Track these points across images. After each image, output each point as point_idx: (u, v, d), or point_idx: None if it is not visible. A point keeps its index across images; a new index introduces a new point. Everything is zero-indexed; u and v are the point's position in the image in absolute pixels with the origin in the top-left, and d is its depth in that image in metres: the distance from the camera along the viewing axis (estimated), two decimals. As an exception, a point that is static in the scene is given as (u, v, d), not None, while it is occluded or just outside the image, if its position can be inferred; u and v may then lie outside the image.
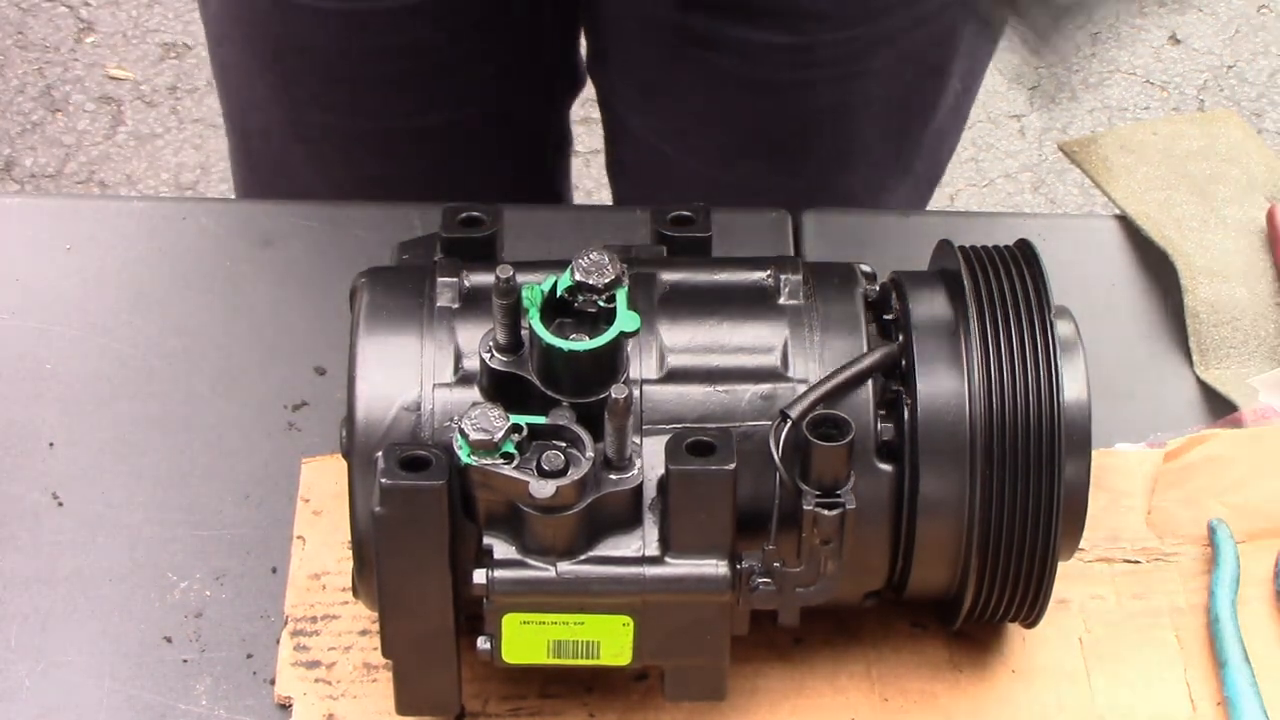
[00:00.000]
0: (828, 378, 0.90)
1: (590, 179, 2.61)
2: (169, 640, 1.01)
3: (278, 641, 1.00)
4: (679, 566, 0.88)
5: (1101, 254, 1.22)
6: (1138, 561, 1.04)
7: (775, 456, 0.88)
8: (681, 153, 1.33)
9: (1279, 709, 0.97)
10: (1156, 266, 1.20)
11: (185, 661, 1.00)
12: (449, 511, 0.87)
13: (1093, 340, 0.96)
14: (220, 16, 1.34)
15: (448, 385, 0.90)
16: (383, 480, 0.86)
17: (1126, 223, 1.23)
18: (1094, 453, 0.93)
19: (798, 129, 1.30)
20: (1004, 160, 2.75)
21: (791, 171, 1.32)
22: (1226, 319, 1.16)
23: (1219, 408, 1.12)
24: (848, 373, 0.91)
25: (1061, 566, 0.94)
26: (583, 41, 1.41)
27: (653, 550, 0.88)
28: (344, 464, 0.91)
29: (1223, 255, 1.19)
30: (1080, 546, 1.00)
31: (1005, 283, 0.93)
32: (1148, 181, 1.24)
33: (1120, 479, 1.07)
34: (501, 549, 0.88)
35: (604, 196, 2.59)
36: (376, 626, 0.99)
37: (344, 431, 0.91)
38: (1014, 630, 1.00)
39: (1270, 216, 1.20)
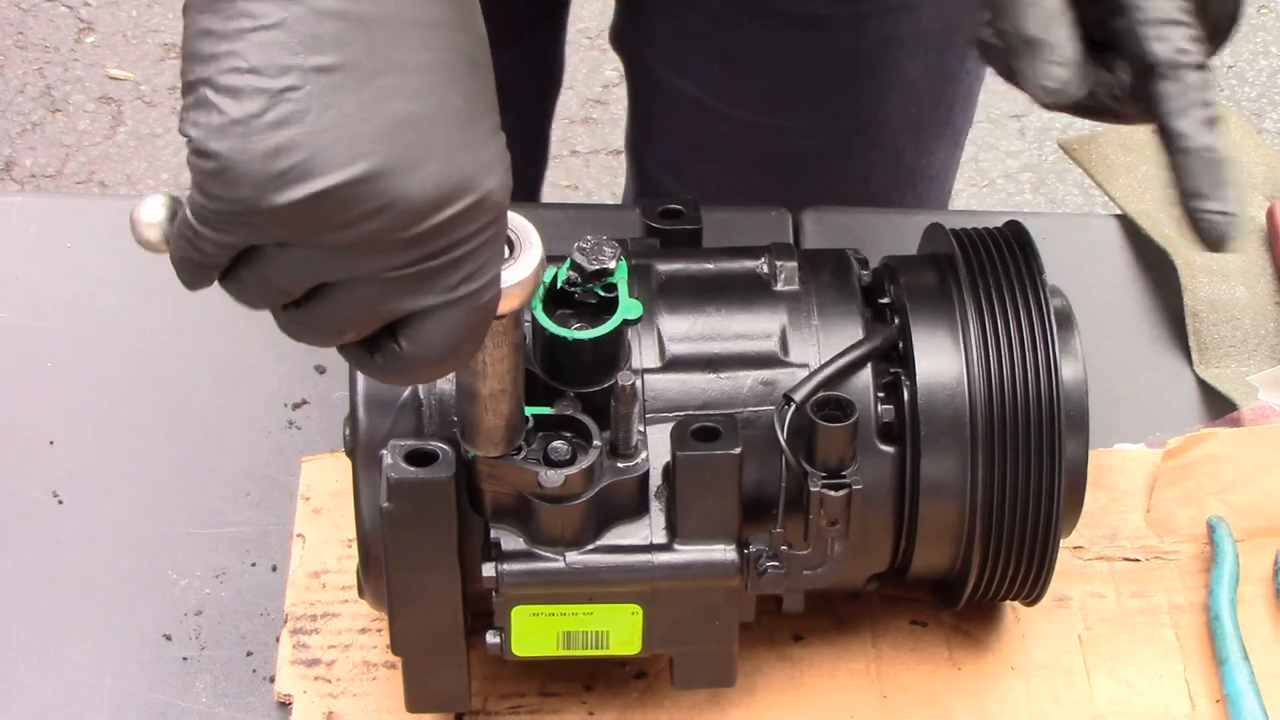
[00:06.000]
0: (829, 361, 0.91)
1: (590, 179, 2.61)
2: (169, 638, 1.01)
3: (277, 639, 1.00)
4: (687, 553, 0.88)
5: (1101, 254, 1.22)
6: (1137, 559, 1.04)
7: (781, 439, 0.88)
8: (726, 103, 1.32)
9: (1278, 707, 0.97)
10: (1156, 266, 1.20)
11: (185, 659, 1.00)
12: (456, 505, 0.87)
13: (1093, 340, 0.96)
14: None
15: (450, 379, 0.90)
16: (390, 475, 0.86)
17: (1126, 222, 1.23)
18: (1094, 452, 0.93)
19: (845, 66, 1.29)
20: (1004, 160, 2.75)
21: (836, 112, 1.31)
22: (1226, 318, 1.16)
23: (1218, 407, 1.12)
24: (848, 356, 0.91)
25: (1061, 564, 0.94)
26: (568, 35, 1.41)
27: (660, 537, 0.89)
28: (345, 462, 0.91)
29: (1222, 254, 1.19)
30: (1079, 544, 1.00)
31: (999, 263, 0.94)
32: (1148, 181, 1.24)
33: (1120, 478, 1.07)
34: (509, 541, 0.88)
35: (604, 196, 2.61)
36: (376, 624, 0.99)
37: (347, 429, 0.91)
38: (1013, 627, 1.01)
39: (1270, 216, 1.20)
